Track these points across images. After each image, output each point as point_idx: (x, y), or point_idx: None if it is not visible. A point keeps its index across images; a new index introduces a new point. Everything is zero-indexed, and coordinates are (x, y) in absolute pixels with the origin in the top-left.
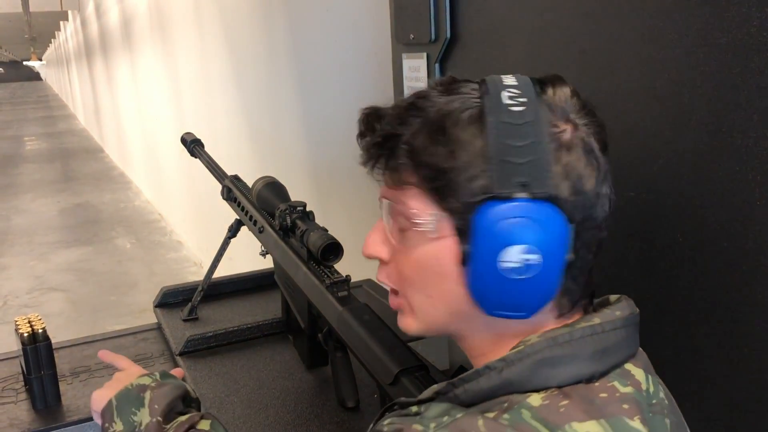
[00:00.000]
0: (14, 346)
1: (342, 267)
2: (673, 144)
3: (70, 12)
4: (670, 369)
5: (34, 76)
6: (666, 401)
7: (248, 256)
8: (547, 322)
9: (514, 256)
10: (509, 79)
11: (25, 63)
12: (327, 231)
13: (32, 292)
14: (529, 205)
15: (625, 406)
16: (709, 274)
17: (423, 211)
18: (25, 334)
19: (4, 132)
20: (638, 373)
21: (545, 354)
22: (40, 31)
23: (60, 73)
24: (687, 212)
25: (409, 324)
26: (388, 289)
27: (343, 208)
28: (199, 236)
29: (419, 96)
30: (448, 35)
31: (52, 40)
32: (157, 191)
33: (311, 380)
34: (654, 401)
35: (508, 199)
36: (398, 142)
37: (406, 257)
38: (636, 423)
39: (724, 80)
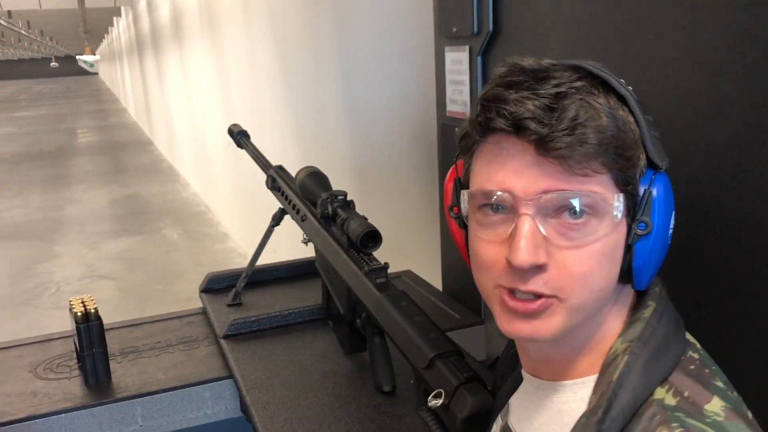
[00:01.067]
0: (69, 328)
1: (381, 257)
2: (713, 136)
3: (122, 8)
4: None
5: (86, 72)
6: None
7: (291, 247)
8: (628, 300)
9: (672, 221)
10: (596, 64)
11: (78, 57)
12: (367, 219)
13: (83, 279)
14: (666, 176)
15: (707, 371)
16: (748, 268)
17: (613, 196)
18: (79, 314)
19: (58, 125)
20: (691, 338)
21: (647, 352)
22: (93, 27)
23: (112, 68)
24: (726, 205)
25: (552, 326)
26: (524, 296)
27: (385, 201)
28: (245, 228)
29: (568, 80)
30: (491, 28)
31: (105, 35)
32: (205, 184)
33: (349, 365)
34: (707, 354)
35: (662, 170)
36: (588, 129)
37: (583, 253)
38: (719, 382)
39: (764, 72)
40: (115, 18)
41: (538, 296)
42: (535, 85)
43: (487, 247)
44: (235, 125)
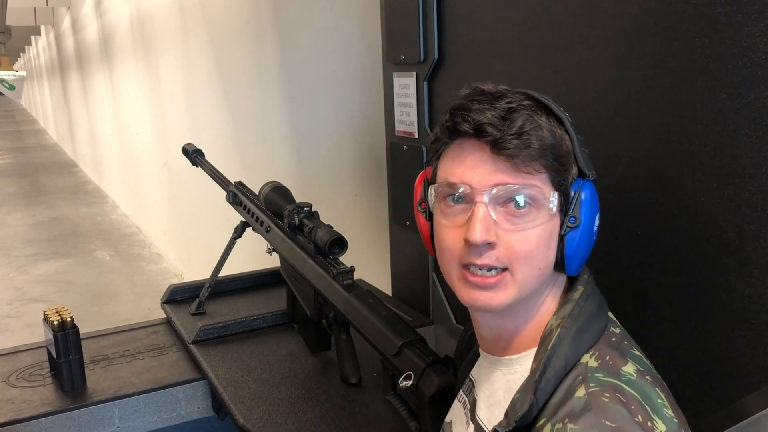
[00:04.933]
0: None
1: None
2: (633, 151)
3: (42, 27)
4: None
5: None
6: None
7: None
8: (562, 285)
9: (597, 221)
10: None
11: None
12: (332, 227)
13: (13, 303)
14: (593, 184)
15: (626, 342)
16: (662, 262)
17: (549, 192)
18: (55, 322)
19: None
20: (613, 317)
21: (576, 327)
22: (9, 46)
23: (29, 88)
24: (644, 209)
25: (504, 297)
26: (483, 269)
27: (332, 216)
28: (179, 249)
29: (518, 100)
30: (436, 56)
31: (21, 54)
32: (135, 205)
33: (316, 362)
34: (624, 331)
35: (587, 179)
36: (532, 137)
37: (525, 236)
38: (636, 351)
39: (674, 97)
40: (33, 37)
41: (493, 272)
42: (493, 101)
43: (449, 231)
44: (189, 144)
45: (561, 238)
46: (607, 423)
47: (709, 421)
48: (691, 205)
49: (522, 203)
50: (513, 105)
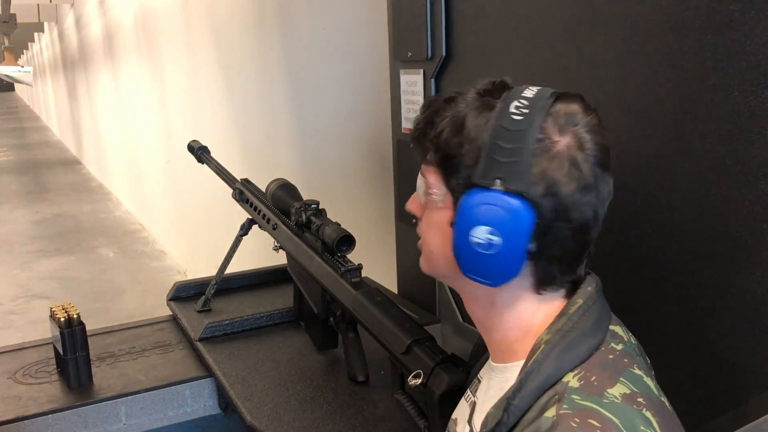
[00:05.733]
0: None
1: None
2: (642, 148)
3: (46, 24)
4: (638, 337)
5: (6, 87)
6: (636, 342)
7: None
8: (528, 300)
9: (481, 234)
10: (528, 91)
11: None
12: (339, 225)
13: (17, 299)
14: (501, 196)
15: (626, 360)
16: (674, 260)
17: (436, 186)
18: (62, 319)
19: None
20: (619, 330)
21: (562, 344)
22: (12, 42)
23: (33, 84)
24: (654, 207)
25: (422, 263)
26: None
27: (337, 214)
28: (183, 246)
29: (455, 95)
30: (444, 53)
31: (25, 51)
32: (139, 202)
33: (323, 360)
34: (633, 347)
35: (486, 188)
36: (430, 130)
37: (427, 216)
38: (636, 370)
39: (685, 95)
40: (36, 34)
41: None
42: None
43: None
44: (194, 141)
45: None
46: None
47: (719, 422)
48: (703, 204)
49: (424, 190)
50: (444, 102)
